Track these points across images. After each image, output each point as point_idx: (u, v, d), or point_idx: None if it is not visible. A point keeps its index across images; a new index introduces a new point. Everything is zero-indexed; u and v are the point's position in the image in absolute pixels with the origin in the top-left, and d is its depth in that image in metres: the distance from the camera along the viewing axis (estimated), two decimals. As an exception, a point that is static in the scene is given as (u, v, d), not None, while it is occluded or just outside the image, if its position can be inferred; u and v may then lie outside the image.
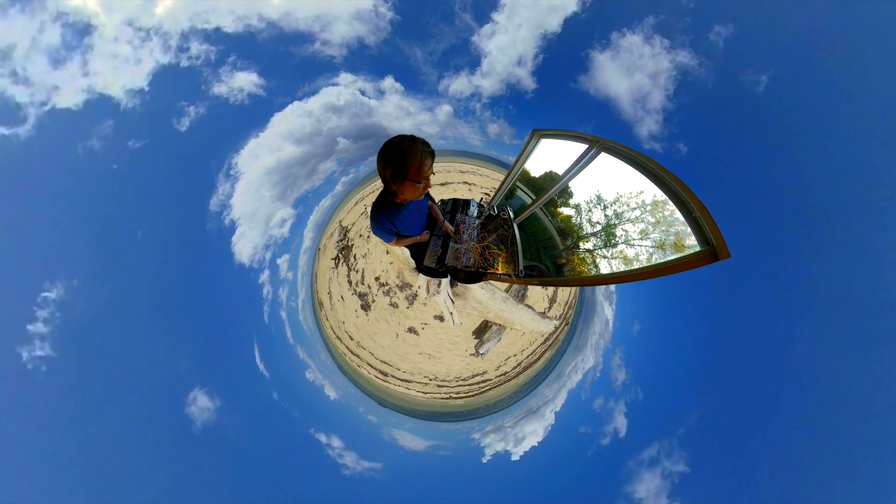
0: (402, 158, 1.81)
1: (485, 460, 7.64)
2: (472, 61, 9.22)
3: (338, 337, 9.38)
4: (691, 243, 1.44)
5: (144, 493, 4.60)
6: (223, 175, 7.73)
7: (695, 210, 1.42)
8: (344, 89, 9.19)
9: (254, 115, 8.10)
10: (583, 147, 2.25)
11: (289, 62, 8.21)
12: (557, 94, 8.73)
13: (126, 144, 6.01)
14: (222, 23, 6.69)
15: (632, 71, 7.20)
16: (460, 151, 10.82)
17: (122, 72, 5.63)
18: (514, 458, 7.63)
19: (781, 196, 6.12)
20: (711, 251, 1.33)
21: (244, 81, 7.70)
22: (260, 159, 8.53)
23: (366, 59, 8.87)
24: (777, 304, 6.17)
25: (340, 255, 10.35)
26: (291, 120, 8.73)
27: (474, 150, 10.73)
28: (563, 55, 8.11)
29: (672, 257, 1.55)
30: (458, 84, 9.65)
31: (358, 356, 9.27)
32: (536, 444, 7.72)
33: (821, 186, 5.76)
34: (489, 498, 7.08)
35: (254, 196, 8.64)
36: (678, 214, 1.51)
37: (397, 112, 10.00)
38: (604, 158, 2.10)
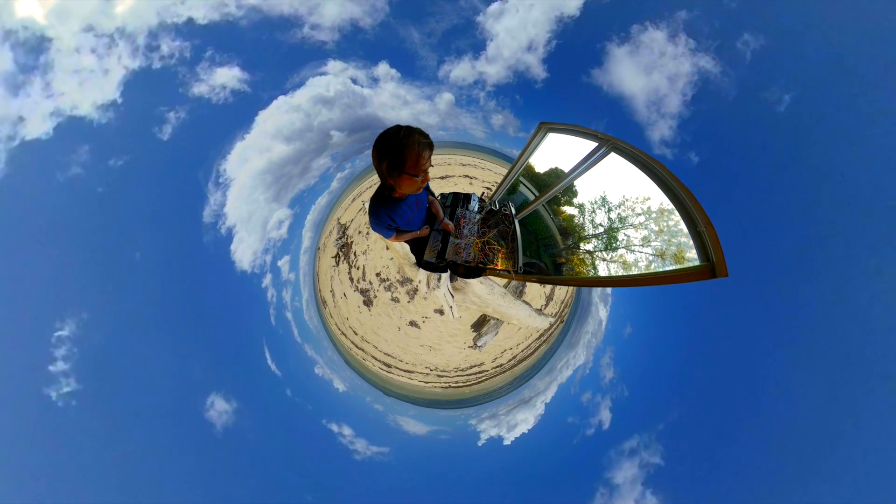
0: (399, 151, 1.69)
1: (480, 444, 8.56)
2: (476, 45, 8.26)
3: (343, 333, 9.83)
4: (691, 257, 1.43)
5: (180, 497, 5.33)
6: (213, 184, 7.42)
7: (700, 224, 1.38)
8: (333, 78, 8.36)
9: (240, 113, 7.50)
10: (592, 145, 2.16)
11: (276, 51, 7.36)
12: (568, 86, 7.99)
13: (107, 164, 5.66)
14: (194, 13, 5.83)
15: (650, 70, 6.53)
16: (462, 143, 10.21)
17: (89, 86, 5.03)
18: (507, 442, 8.54)
19: (785, 219, 6.03)
20: (710, 267, 1.31)
21: (226, 77, 6.98)
22: (249, 162, 8.10)
23: (359, 44, 7.93)
24: (766, 325, 6.43)
25: (340, 253, 10.37)
26: (278, 117, 8.10)
27: (476, 142, 10.13)
28: (580, 44, 7.26)
29: (670, 268, 1.55)
30: (461, 70, 8.76)
31: (363, 350, 9.81)
32: (527, 431, 8.58)
33: (825, 215, 5.65)
34: (483, 477, 8.13)
35: (247, 200, 8.38)
36: (682, 226, 1.48)
37: (393, 101, 9.23)
38: (613, 159, 2.00)
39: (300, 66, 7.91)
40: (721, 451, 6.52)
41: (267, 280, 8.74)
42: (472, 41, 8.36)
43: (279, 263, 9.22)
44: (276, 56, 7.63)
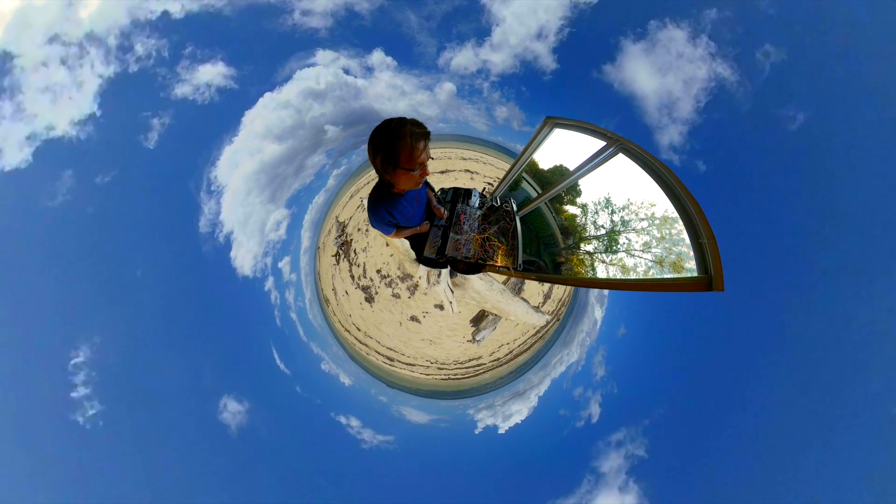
0: (392, 144, 1.62)
1: (477, 432, 9.23)
2: (480, 30, 7.48)
3: (346, 329, 10.13)
4: (690, 267, 1.43)
5: (208, 498, 5.90)
6: (205, 192, 7.18)
7: (702, 235, 1.38)
8: (323, 69, 7.70)
9: (229, 113, 7.02)
10: (600, 144, 2.09)
11: (265, 41, 6.68)
12: (578, 80, 7.40)
13: (94, 183, 5.41)
14: (169, 6, 5.16)
15: (665, 71, 6.02)
16: (463, 136, 9.69)
17: (63, 103, 4.57)
18: (501, 431, 9.21)
19: (786, 236, 5.99)
20: (707, 280, 1.31)
21: (210, 74, 6.41)
22: (240, 166, 7.76)
23: (352, 31, 7.19)
24: (755, 336, 6.65)
25: (340, 252, 10.32)
26: (266, 115, 7.59)
27: (478, 135, 9.60)
28: (594, 35, 6.58)
29: (668, 276, 1.56)
30: (463, 58, 8.04)
31: (366, 345, 10.19)
32: (520, 422, 9.21)
33: (825, 234, 5.59)
34: (479, 463, 8.90)
35: (242, 205, 8.16)
36: (685, 235, 1.47)
37: (390, 92, 8.60)
38: (620, 160, 1.94)
39: (287, 58, 7.25)
40: (701, 446, 7.09)
41: (269, 283, 8.79)
42: (475, 26, 7.58)
43: (280, 265, 9.21)
44: (265, 47, 6.96)
